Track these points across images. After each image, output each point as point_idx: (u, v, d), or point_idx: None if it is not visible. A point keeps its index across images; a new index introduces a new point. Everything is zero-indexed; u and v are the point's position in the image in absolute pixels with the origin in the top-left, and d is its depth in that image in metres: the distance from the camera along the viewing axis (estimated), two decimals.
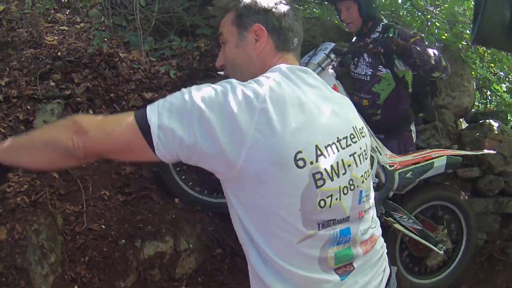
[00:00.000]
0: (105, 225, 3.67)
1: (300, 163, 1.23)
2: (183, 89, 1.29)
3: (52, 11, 5.81)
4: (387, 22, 3.78)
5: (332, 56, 3.46)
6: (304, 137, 1.25)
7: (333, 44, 3.55)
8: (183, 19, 5.48)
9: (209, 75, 4.58)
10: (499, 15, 1.22)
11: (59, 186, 3.66)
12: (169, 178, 3.87)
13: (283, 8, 1.51)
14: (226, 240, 3.94)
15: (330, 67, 3.51)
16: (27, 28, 5.39)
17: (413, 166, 3.55)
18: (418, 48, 3.41)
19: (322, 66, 3.42)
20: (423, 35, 4.54)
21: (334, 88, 3.43)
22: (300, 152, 1.23)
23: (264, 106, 1.23)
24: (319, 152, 1.27)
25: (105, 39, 4.98)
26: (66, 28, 5.39)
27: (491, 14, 1.22)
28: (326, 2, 5.31)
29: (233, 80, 1.30)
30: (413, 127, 3.99)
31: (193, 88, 1.28)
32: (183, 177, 3.93)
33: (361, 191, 1.41)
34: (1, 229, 3.30)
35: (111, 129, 1.31)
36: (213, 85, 1.29)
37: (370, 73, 3.77)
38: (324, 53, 3.46)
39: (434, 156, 3.59)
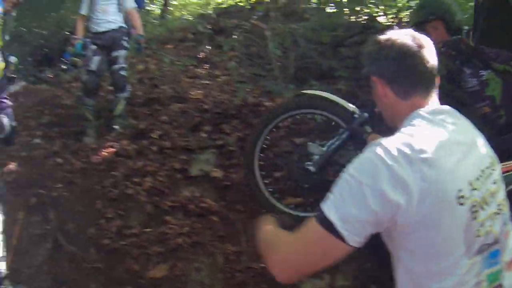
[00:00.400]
0: (264, 264, 3.55)
1: (461, 200, 1.29)
2: (343, 174, 1.32)
3: (191, 67, 6.06)
4: (468, 28, 3.56)
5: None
6: (460, 175, 1.31)
7: None
8: (319, 64, 5.44)
9: None
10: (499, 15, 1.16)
11: (219, 228, 3.65)
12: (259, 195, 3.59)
13: (399, 52, 1.44)
14: (382, 278, 3.69)
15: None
16: (170, 84, 5.62)
17: None
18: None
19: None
20: None
21: None
22: (460, 190, 1.28)
23: (420, 156, 1.26)
24: (472, 187, 1.32)
25: (248, 90, 5.00)
26: (208, 82, 5.55)
27: (491, 14, 1.16)
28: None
29: (381, 142, 1.31)
30: None
31: (350, 167, 1.32)
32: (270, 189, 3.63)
33: (504, 213, 1.45)
34: (163, 267, 3.39)
35: (303, 250, 1.36)
36: (364, 154, 1.33)
37: (475, 82, 3.46)
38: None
39: None
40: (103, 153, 4.39)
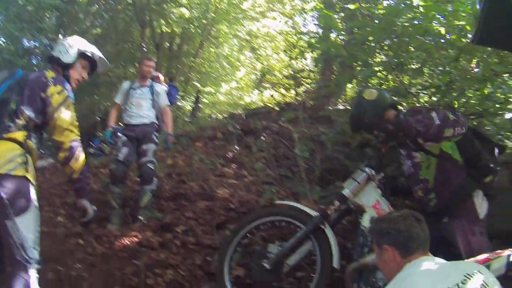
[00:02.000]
0: None
1: None
2: None
3: (219, 166, 6.19)
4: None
5: (367, 169, 3.42)
6: None
7: (366, 160, 3.59)
8: (345, 165, 5.51)
9: None
10: (499, 15, 1.28)
11: None
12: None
13: (401, 225, 2.15)
14: None
15: (372, 182, 3.42)
16: (198, 181, 5.73)
17: None
18: (415, 117, 3.20)
19: (358, 180, 3.41)
20: None
21: (377, 203, 3.36)
22: None
23: None
24: None
25: (274, 191, 5.07)
26: (235, 182, 5.63)
27: (491, 14, 1.28)
28: None
29: None
30: (477, 200, 3.30)
31: None
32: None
33: None
34: None
35: None
36: None
37: (410, 164, 3.47)
38: (359, 168, 3.48)
39: (492, 258, 2.74)
40: (126, 241, 4.43)
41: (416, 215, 2.22)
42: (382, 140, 3.50)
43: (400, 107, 3.82)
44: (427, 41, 4.93)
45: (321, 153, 5.76)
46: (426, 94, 5.22)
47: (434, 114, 3.13)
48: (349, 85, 8.69)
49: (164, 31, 17.42)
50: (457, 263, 2.25)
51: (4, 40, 19.19)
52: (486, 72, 4.37)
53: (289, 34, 12.61)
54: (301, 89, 9.20)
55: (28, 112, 2.80)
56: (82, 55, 3.20)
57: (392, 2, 6.39)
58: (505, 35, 1.34)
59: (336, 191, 4.45)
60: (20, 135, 2.75)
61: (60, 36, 18.36)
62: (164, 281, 3.84)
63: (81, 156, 2.89)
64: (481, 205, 3.28)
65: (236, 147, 6.57)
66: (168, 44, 19.21)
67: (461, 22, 4.33)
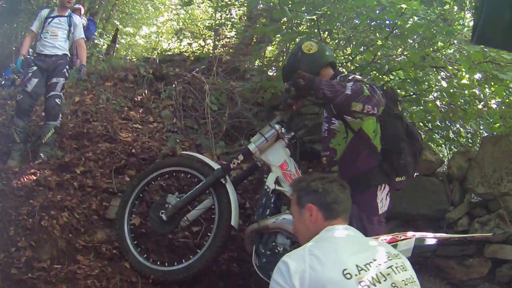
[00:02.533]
0: None
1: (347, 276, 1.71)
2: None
3: (126, 108, 6.06)
4: (346, 74, 3.37)
5: (277, 126, 3.31)
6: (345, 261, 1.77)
7: (279, 116, 3.48)
8: (253, 124, 5.61)
9: None
10: (499, 15, 1.26)
11: (129, 274, 3.55)
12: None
13: (329, 186, 2.08)
14: None
15: (281, 141, 3.32)
16: (102, 122, 5.60)
17: None
18: (331, 81, 3.02)
19: (266, 136, 3.30)
20: None
21: (284, 163, 3.25)
22: (345, 269, 1.72)
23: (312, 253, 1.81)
24: (359, 269, 1.74)
25: (178, 141, 5.07)
26: (140, 127, 5.56)
27: (491, 14, 1.25)
28: None
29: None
30: (380, 193, 3.11)
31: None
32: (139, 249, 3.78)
33: None
34: None
35: None
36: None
37: (326, 128, 3.30)
38: (269, 124, 3.37)
39: (399, 238, 2.72)
40: (24, 179, 4.29)
41: (343, 182, 2.16)
42: (293, 95, 3.14)
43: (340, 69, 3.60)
44: (356, 20, 5.04)
45: (230, 109, 5.81)
46: (346, 69, 5.26)
47: (349, 84, 2.86)
48: (269, 47, 8.77)
49: None
50: (376, 239, 2.26)
51: None
52: (414, 59, 4.42)
53: None
54: (221, 43, 9.13)
55: None
56: None
57: None
58: (504, 35, 1.36)
59: (242, 148, 4.50)
60: None
61: None
62: (59, 223, 3.76)
63: None
64: (383, 200, 3.11)
65: (145, 91, 6.44)
66: None
67: (403, 5, 4.25)
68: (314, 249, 1.83)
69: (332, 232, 1.96)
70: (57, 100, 5.24)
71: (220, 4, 9.05)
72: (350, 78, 3.05)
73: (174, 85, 6.26)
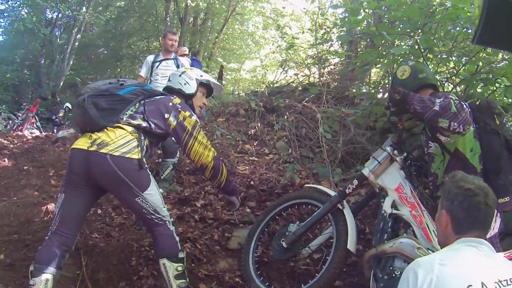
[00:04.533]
0: None
1: None
2: None
3: (241, 142, 6.19)
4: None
5: (388, 149, 3.24)
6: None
7: (390, 139, 3.37)
8: (367, 149, 5.47)
9: None
10: (499, 15, 1.24)
11: None
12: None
13: (468, 199, 1.93)
14: None
15: (395, 163, 3.24)
16: (219, 157, 5.73)
17: None
18: (422, 96, 2.95)
19: (378, 159, 3.24)
20: None
21: (399, 186, 3.16)
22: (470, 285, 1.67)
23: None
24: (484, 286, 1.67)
25: (295, 170, 5.05)
26: (256, 159, 5.64)
27: (491, 14, 1.23)
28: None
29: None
30: None
31: None
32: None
33: None
34: None
35: None
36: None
37: (426, 152, 3.24)
38: (381, 147, 3.31)
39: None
40: None
41: (488, 192, 1.97)
42: (392, 111, 3.19)
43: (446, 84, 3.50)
44: (453, 30, 4.82)
45: (343, 135, 5.73)
46: (452, 83, 5.09)
47: (438, 100, 2.85)
48: (374, 69, 8.62)
49: (189, 5, 17.33)
50: (507, 258, 2.07)
51: (27, 11, 19.40)
52: None
53: (315, 14, 12.44)
54: (325, 70, 9.11)
55: (143, 122, 3.09)
56: (201, 84, 3.54)
57: None
58: (506, 35, 1.31)
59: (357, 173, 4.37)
60: (129, 128, 3.02)
61: (84, 9, 18.44)
62: None
63: (223, 169, 3.26)
64: (494, 221, 2.90)
65: (258, 124, 6.55)
66: (192, 19, 19.16)
67: None
68: (444, 260, 1.79)
69: (463, 244, 1.89)
70: (173, 138, 5.40)
71: (320, 34, 9.08)
72: (441, 94, 2.98)
73: (286, 116, 6.31)
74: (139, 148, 2.95)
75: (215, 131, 6.47)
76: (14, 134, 9.80)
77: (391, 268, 2.97)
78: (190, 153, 3.18)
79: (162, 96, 3.32)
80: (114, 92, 3.12)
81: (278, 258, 3.60)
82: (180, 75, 3.53)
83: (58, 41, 21.66)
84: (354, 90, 7.38)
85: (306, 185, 3.99)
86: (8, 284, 3.36)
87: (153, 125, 3.10)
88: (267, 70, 12.94)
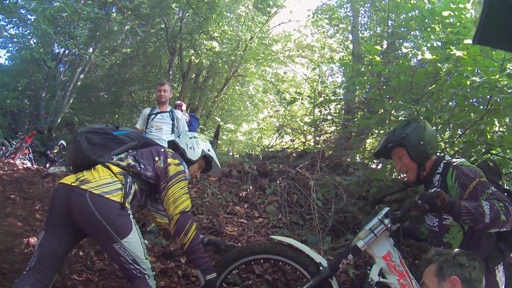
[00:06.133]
0: None
1: None
2: None
3: (231, 203, 6.16)
4: (449, 159, 3.24)
5: (386, 221, 3.13)
6: None
7: (387, 209, 3.23)
8: (358, 218, 5.46)
9: None
10: (500, 15, 1.25)
11: None
12: None
13: (474, 263, 2.09)
14: None
15: (386, 233, 3.15)
16: (208, 215, 5.69)
17: None
18: (467, 205, 2.83)
19: (375, 232, 3.12)
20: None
21: (388, 254, 3.11)
22: None
23: None
24: None
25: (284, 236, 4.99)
26: (245, 221, 5.59)
27: (492, 14, 1.24)
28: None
29: None
30: (498, 273, 3.04)
31: None
32: None
33: None
34: None
35: None
36: None
37: (437, 223, 3.18)
38: (378, 219, 3.16)
39: None
40: None
41: (481, 261, 2.19)
42: (422, 209, 3.02)
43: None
44: (451, 103, 4.96)
45: (335, 203, 5.71)
46: (451, 150, 5.18)
47: (487, 210, 2.80)
48: (368, 139, 8.74)
49: (193, 61, 17.70)
50: None
51: (35, 41, 19.78)
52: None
53: (315, 81, 12.74)
54: (321, 138, 9.21)
55: (132, 161, 3.00)
56: (204, 157, 3.42)
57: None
58: (506, 35, 1.34)
59: (348, 244, 4.27)
60: (116, 169, 2.91)
61: (91, 49, 18.82)
62: None
63: (189, 229, 2.94)
64: (502, 277, 3.05)
65: (250, 187, 6.54)
66: (195, 76, 19.53)
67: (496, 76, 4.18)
68: None
69: None
70: None
71: (318, 101, 9.24)
72: (480, 189, 2.91)
73: (278, 181, 6.32)
74: (123, 192, 2.82)
75: (206, 189, 6.44)
76: (5, 161, 9.77)
77: None
78: (163, 201, 2.99)
79: (156, 146, 3.27)
80: (108, 131, 3.11)
81: None
82: (190, 138, 3.44)
83: (61, 77, 21.92)
84: (349, 159, 7.45)
85: (275, 237, 3.71)
86: None
87: (142, 167, 2.99)
88: (263, 134, 13.07)
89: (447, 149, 5.22)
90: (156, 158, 3.05)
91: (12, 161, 10.27)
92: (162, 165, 3.02)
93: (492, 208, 2.77)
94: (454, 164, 3.08)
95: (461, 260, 2.10)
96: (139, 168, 2.97)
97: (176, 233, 2.94)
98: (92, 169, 2.89)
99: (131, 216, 2.85)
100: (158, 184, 3.03)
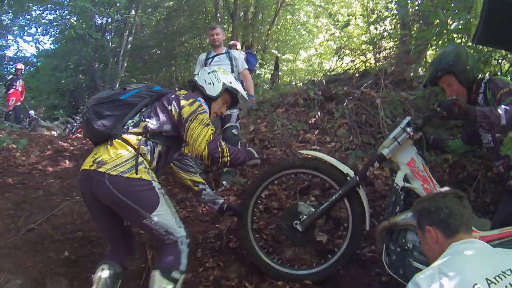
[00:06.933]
0: None
1: None
2: None
3: (302, 132, 6.26)
4: (488, 77, 3.31)
5: (409, 129, 3.25)
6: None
7: (409, 118, 3.34)
8: (429, 133, 5.37)
9: (460, 186, 4.34)
10: (499, 15, 1.25)
11: None
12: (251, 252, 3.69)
13: (441, 202, 2.08)
14: None
15: (409, 141, 3.27)
16: (280, 147, 5.85)
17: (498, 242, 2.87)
18: (482, 109, 2.95)
19: (398, 140, 3.26)
20: None
21: (412, 161, 3.24)
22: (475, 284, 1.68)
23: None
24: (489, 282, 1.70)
25: (358, 157, 5.08)
26: (318, 148, 5.70)
27: (491, 14, 1.25)
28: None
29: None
30: None
31: None
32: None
33: None
34: None
35: None
36: None
37: (491, 138, 3.27)
38: (400, 127, 3.30)
39: None
40: None
41: (457, 192, 2.16)
42: (441, 117, 3.11)
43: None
44: None
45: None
46: (508, 61, 5.00)
47: (502, 112, 2.89)
48: (429, 51, 8.44)
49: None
50: (505, 249, 2.09)
51: (76, 19, 20.03)
52: None
53: None
54: (381, 55, 9.02)
55: (149, 121, 2.87)
56: (227, 90, 3.22)
57: None
58: (506, 35, 1.32)
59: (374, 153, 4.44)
60: (134, 140, 2.82)
61: (133, 12, 18.93)
62: None
63: (222, 152, 2.85)
64: None
65: (318, 113, 6.60)
66: (243, 13, 19.30)
67: None
68: (443, 267, 1.82)
69: (457, 248, 1.94)
70: (234, 131, 5.50)
71: (372, 19, 8.98)
72: (505, 96, 3.02)
73: (345, 104, 6.33)
74: (143, 165, 2.75)
75: (276, 122, 6.56)
76: (73, 137, 10.18)
77: (403, 240, 3.10)
78: (188, 144, 2.89)
79: (167, 93, 3.08)
80: (115, 98, 2.94)
81: (294, 242, 3.67)
82: (208, 73, 3.24)
83: (110, 45, 22.30)
84: (412, 74, 7.29)
85: (306, 152, 3.79)
86: (73, 279, 3.53)
87: (158, 124, 2.87)
88: (323, 59, 12.89)
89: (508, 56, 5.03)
90: (169, 108, 2.90)
91: (79, 135, 10.60)
92: (176, 112, 2.88)
93: (507, 111, 2.87)
94: (489, 78, 3.22)
95: (427, 207, 2.13)
96: (155, 127, 2.86)
97: (213, 163, 2.90)
98: (109, 145, 2.79)
99: (157, 187, 2.78)
100: (180, 134, 2.93)
